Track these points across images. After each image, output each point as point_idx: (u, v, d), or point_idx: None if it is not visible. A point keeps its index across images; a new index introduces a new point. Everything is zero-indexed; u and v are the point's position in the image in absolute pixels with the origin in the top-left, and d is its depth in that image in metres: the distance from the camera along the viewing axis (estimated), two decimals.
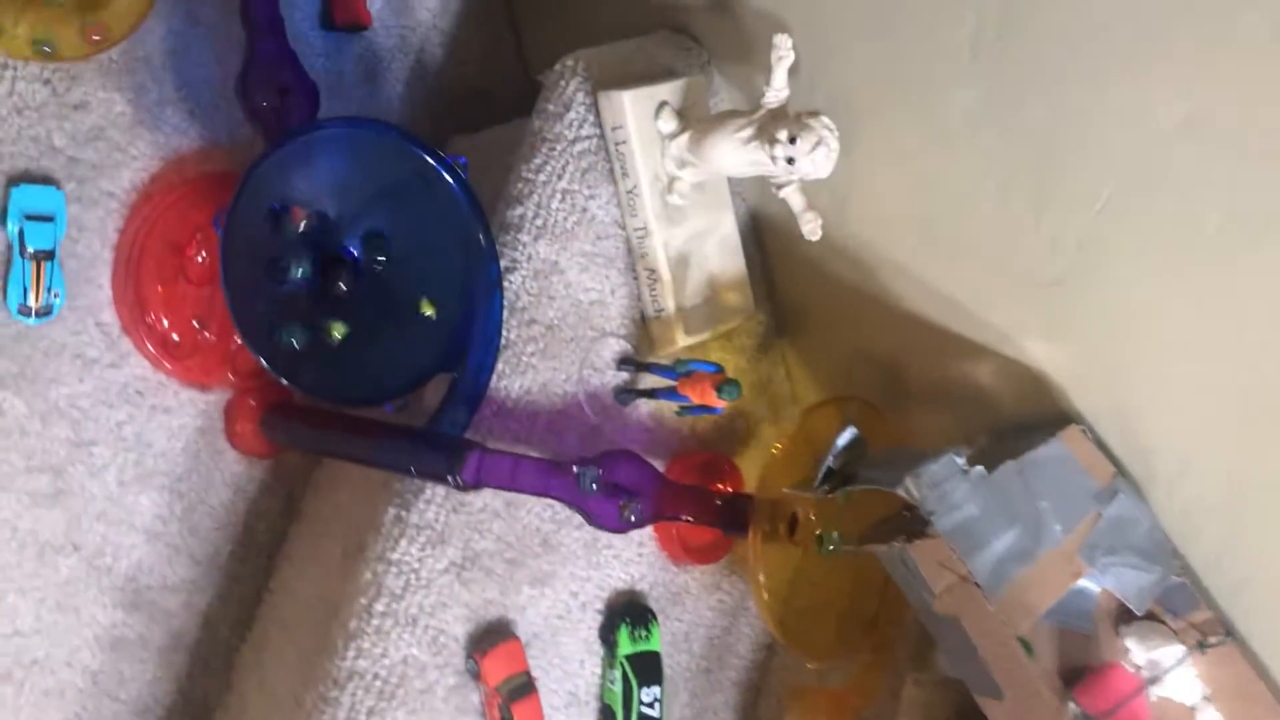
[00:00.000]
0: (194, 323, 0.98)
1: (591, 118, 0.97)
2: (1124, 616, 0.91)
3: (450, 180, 0.89)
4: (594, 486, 0.85)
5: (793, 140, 0.87)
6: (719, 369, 0.90)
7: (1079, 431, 0.89)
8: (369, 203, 0.89)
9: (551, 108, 0.97)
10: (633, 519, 0.88)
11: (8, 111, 0.91)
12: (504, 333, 0.91)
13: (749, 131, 0.91)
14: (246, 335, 0.83)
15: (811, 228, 0.92)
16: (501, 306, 0.91)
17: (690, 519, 0.91)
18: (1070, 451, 0.88)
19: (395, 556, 0.86)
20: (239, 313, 0.82)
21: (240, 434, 1.02)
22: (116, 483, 0.97)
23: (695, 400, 0.91)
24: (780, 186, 0.92)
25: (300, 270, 0.85)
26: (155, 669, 1.00)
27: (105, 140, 0.95)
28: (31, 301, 0.92)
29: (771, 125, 0.90)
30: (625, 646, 0.94)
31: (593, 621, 0.96)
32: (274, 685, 0.96)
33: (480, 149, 1.12)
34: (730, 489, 1.02)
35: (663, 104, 0.96)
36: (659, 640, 0.96)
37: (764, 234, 1.08)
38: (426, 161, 0.88)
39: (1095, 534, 0.86)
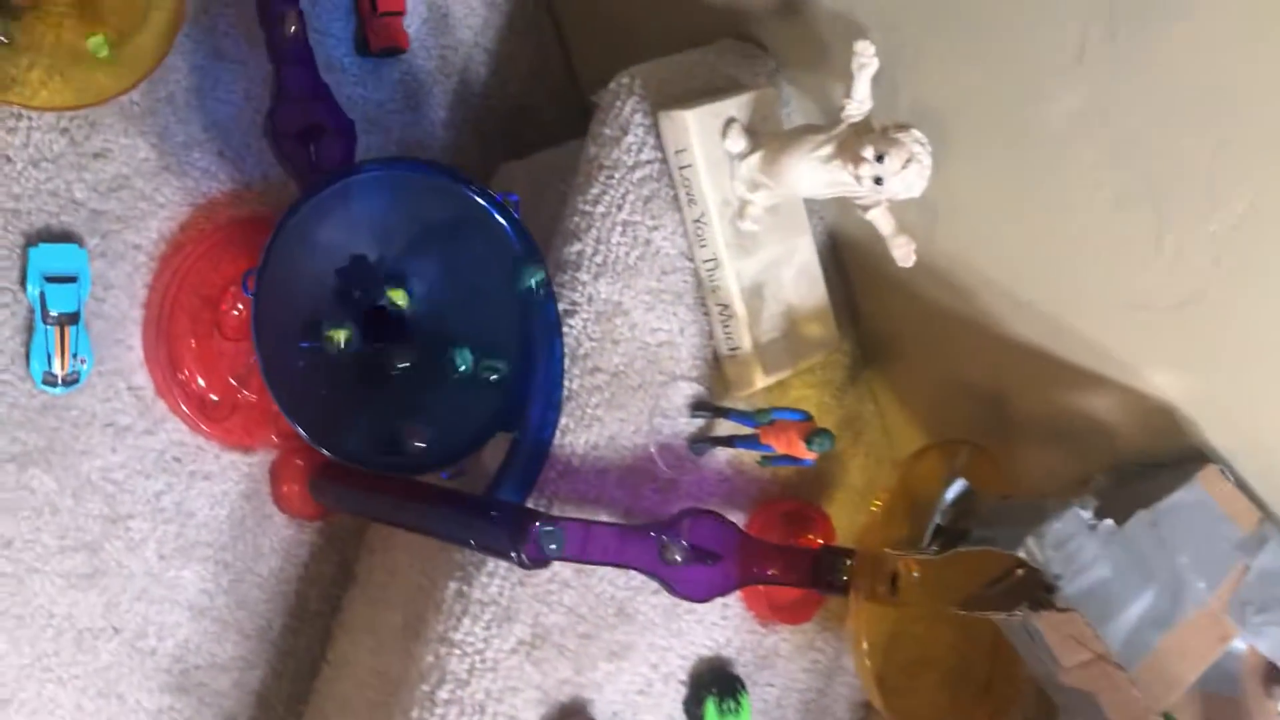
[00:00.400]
0: (231, 380, 0.91)
1: (652, 140, 0.88)
2: (1275, 676, 0.81)
3: (501, 221, 0.81)
4: (678, 558, 0.77)
5: (880, 158, 0.78)
6: (807, 416, 0.81)
7: (1218, 472, 0.79)
8: (414, 248, 0.81)
9: (608, 131, 0.88)
10: (718, 586, 0.80)
11: (24, 165, 0.84)
12: (566, 383, 0.83)
13: (829, 149, 0.82)
14: (282, 400, 0.76)
15: (903, 253, 0.82)
16: (562, 355, 0.83)
17: (782, 580, 0.83)
18: (1209, 496, 0.78)
19: (458, 637, 0.78)
20: (273, 376, 0.75)
21: (288, 496, 0.95)
22: (157, 557, 0.90)
23: (781, 450, 0.82)
24: (866, 208, 0.83)
25: (343, 335, 0.77)
26: None
27: (129, 189, 0.89)
28: (57, 369, 0.85)
29: (854, 142, 0.80)
30: (714, 713, 0.86)
31: (676, 695, 0.88)
32: None
33: (533, 175, 1.04)
34: (820, 540, 0.93)
35: (730, 121, 0.87)
36: (749, 712, 0.88)
37: (845, 255, 0.99)
38: (475, 201, 0.80)
39: (1244, 589, 0.76)
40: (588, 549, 0.76)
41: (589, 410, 0.84)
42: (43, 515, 0.85)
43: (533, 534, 0.72)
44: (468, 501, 0.78)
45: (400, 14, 1.00)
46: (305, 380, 0.78)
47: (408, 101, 1.04)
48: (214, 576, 0.92)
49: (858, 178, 0.80)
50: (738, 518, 0.91)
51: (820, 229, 0.97)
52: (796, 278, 0.92)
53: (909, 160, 0.78)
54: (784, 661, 0.94)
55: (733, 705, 0.87)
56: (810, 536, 0.92)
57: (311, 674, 0.97)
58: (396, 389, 0.80)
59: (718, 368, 0.90)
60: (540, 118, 1.14)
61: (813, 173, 0.83)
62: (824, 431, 0.79)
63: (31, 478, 0.84)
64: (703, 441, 0.88)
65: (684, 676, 0.88)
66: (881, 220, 0.82)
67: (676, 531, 0.79)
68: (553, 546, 0.73)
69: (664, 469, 0.86)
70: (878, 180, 0.79)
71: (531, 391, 0.81)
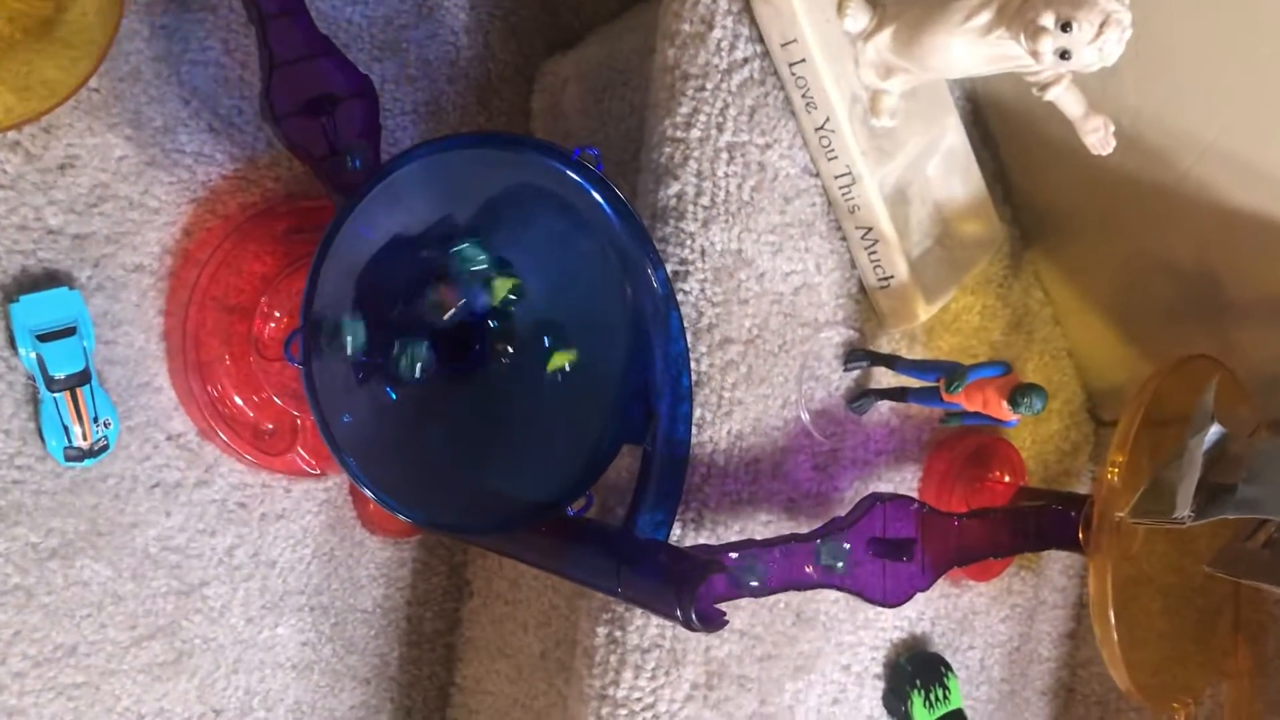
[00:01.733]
0: (281, 401, 0.76)
1: (745, 31, 0.68)
2: None
3: (583, 182, 0.63)
4: (839, 564, 0.63)
5: (1066, 26, 0.59)
6: (1007, 369, 0.65)
7: None
8: (485, 239, 0.64)
9: (686, 28, 0.69)
10: (919, 582, 0.66)
11: None
12: (692, 365, 0.67)
13: (986, 17, 0.63)
14: (355, 468, 0.61)
15: (1099, 138, 0.64)
16: (682, 330, 0.66)
17: (1005, 553, 0.69)
18: None
19: (621, 694, 0.65)
20: (341, 443, 0.59)
21: (376, 516, 0.81)
22: (244, 621, 0.77)
23: (973, 409, 0.66)
24: (1044, 86, 0.64)
25: (417, 359, 0.61)
26: None
27: (113, 200, 0.71)
28: (79, 440, 0.70)
29: (1024, 5, 0.61)
30: (922, 717, 0.74)
31: (874, 692, 0.75)
32: None
33: (586, 75, 0.85)
34: (1007, 476, 0.78)
35: None
36: (959, 694, 0.75)
37: (991, 121, 0.80)
38: (547, 167, 0.62)
39: None
40: (767, 583, 0.62)
41: (725, 393, 0.68)
42: (104, 609, 0.72)
43: (707, 591, 0.58)
44: (610, 545, 0.63)
45: None
46: (377, 433, 0.62)
47: (419, 10, 0.84)
48: (313, 625, 0.80)
49: (1036, 53, 0.61)
50: (912, 470, 0.77)
51: (958, 95, 0.79)
52: (945, 168, 0.74)
53: (1104, 23, 0.59)
54: (981, 618, 0.81)
55: (940, 693, 0.74)
56: (997, 474, 0.78)
57: (442, 702, 0.86)
58: (489, 419, 0.64)
59: (866, 302, 0.73)
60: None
61: (968, 49, 0.64)
62: (1032, 389, 0.62)
63: (81, 569, 0.71)
64: (864, 397, 0.72)
65: (879, 670, 0.75)
66: (1067, 101, 0.63)
67: (844, 535, 0.64)
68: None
69: (822, 440, 0.71)
70: (1063, 54, 0.60)
71: (653, 387, 0.65)
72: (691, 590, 0.57)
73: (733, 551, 0.62)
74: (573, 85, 0.86)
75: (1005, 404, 0.64)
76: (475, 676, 0.84)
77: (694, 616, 0.57)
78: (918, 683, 0.74)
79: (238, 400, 0.76)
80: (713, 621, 0.59)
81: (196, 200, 0.75)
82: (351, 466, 0.60)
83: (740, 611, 0.68)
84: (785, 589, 0.63)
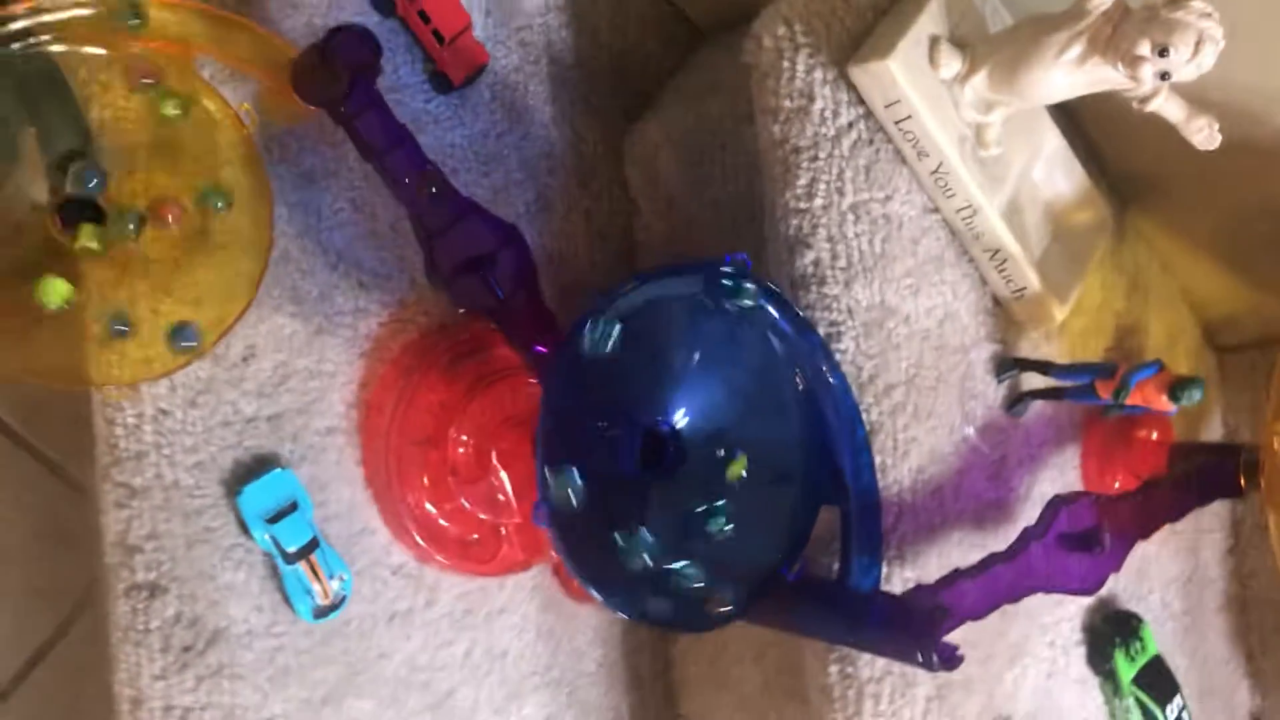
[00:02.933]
0: (485, 517, 0.82)
1: (845, 96, 0.72)
2: None
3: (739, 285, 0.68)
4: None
5: (1164, 52, 0.62)
6: (1161, 366, 0.69)
7: None
8: (661, 353, 0.68)
9: (788, 104, 0.73)
10: (1109, 565, 0.72)
11: (182, 412, 0.73)
12: (864, 417, 0.72)
13: (1079, 49, 0.66)
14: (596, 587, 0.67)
15: (1204, 136, 0.67)
16: (847, 388, 0.71)
17: (1172, 520, 0.74)
18: None
19: None
20: (588, 576, 0.65)
21: (582, 588, 0.88)
22: (492, 713, 0.85)
23: (1134, 403, 0.71)
24: (1144, 100, 0.67)
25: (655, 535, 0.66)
26: None
27: (294, 375, 0.77)
28: (321, 600, 0.77)
29: (1116, 35, 0.64)
30: (1127, 671, 0.80)
31: (1079, 657, 0.82)
32: None
33: (678, 136, 0.89)
34: (1154, 433, 0.83)
35: (934, 41, 0.71)
36: (1153, 640, 0.82)
37: (1072, 101, 0.83)
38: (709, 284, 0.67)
39: None
40: (988, 600, 0.68)
41: (899, 435, 0.73)
42: None
43: (939, 634, 0.64)
44: (833, 600, 0.69)
45: (468, 27, 0.83)
46: (603, 550, 0.68)
47: (509, 116, 0.88)
48: (552, 699, 0.87)
49: (1136, 78, 0.64)
50: (1071, 450, 0.82)
51: None
52: (1048, 170, 0.78)
53: (1199, 42, 0.62)
54: (1154, 564, 0.87)
55: (1138, 645, 0.81)
56: (1146, 433, 0.83)
57: None
58: (693, 516, 0.70)
59: (1003, 313, 0.78)
60: (643, 58, 0.96)
61: (1066, 79, 0.67)
62: (1191, 382, 0.67)
63: (350, 709, 0.78)
64: (1020, 401, 0.77)
65: (1079, 637, 0.82)
66: (1169, 109, 0.67)
67: (1056, 528, 0.70)
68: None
69: (990, 451, 0.76)
70: (1163, 76, 0.64)
71: (833, 447, 0.71)
72: (931, 642, 0.63)
73: (944, 588, 0.68)
74: (665, 151, 0.90)
75: (1166, 398, 0.69)
76: (699, 710, 0.91)
77: (935, 662, 0.64)
78: (1116, 640, 0.80)
79: (443, 523, 0.82)
80: (953, 661, 0.65)
81: (364, 353, 0.81)
82: (598, 596, 0.67)
83: None
84: (998, 607, 0.69)
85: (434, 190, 0.70)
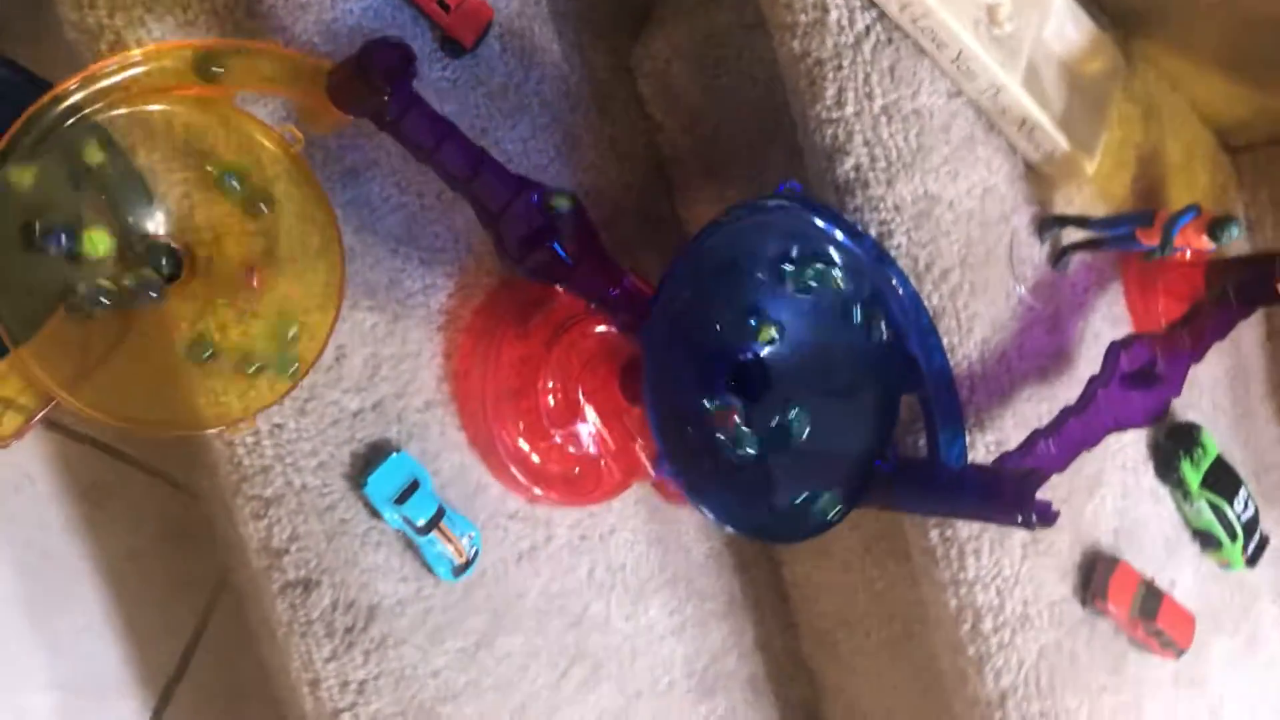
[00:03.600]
0: (577, 453, 0.88)
1: (858, 2, 0.74)
2: None
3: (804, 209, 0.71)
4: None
5: None
6: (1198, 210, 0.73)
7: None
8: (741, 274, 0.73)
9: (804, 18, 0.74)
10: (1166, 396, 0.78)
11: (294, 422, 0.78)
12: (926, 302, 0.77)
13: None
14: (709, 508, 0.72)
15: None
16: (906, 280, 0.75)
17: (1221, 337, 0.80)
18: None
19: (970, 575, 0.79)
20: (697, 495, 0.71)
21: (679, 493, 0.94)
22: (623, 620, 0.92)
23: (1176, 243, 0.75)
24: None
25: (732, 408, 0.71)
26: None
27: (384, 363, 0.81)
28: (457, 560, 0.83)
29: None
30: (1194, 477, 0.87)
31: (1148, 473, 0.88)
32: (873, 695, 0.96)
33: (689, 49, 0.91)
34: (1190, 253, 0.87)
35: None
36: (1214, 444, 0.88)
37: None
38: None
39: None
40: (1068, 448, 0.74)
41: (961, 314, 0.78)
42: (530, 665, 0.87)
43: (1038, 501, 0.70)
44: (930, 479, 0.75)
45: None
46: (711, 470, 0.74)
47: (523, 63, 0.89)
48: (672, 595, 0.95)
49: None
50: (1114, 287, 0.87)
51: None
52: (1057, 26, 0.80)
53: None
54: (1201, 370, 0.92)
55: (1200, 451, 0.87)
56: (1180, 254, 0.87)
57: (785, 604, 1.01)
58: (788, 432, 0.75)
59: (1035, 175, 0.82)
60: None
61: None
62: (1228, 221, 0.72)
63: (501, 647, 0.86)
64: (1065, 255, 0.82)
65: (1145, 454, 0.88)
66: None
67: (1118, 372, 0.76)
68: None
69: (1043, 307, 0.81)
70: None
71: (903, 335, 0.75)
72: (1029, 506, 0.70)
73: (1027, 452, 0.74)
74: (677, 65, 0.91)
75: (1205, 239, 0.73)
76: (803, 574, 0.99)
77: (1034, 518, 0.70)
78: (1180, 452, 0.87)
79: (545, 464, 0.88)
80: (1050, 518, 0.71)
81: (440, 327, 0.85)
82: (712, 516, 0.73)
83: None
84: (1077, 456, 0.75)
85: (487, 175, 0.73)
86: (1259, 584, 0.98)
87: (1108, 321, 0.86)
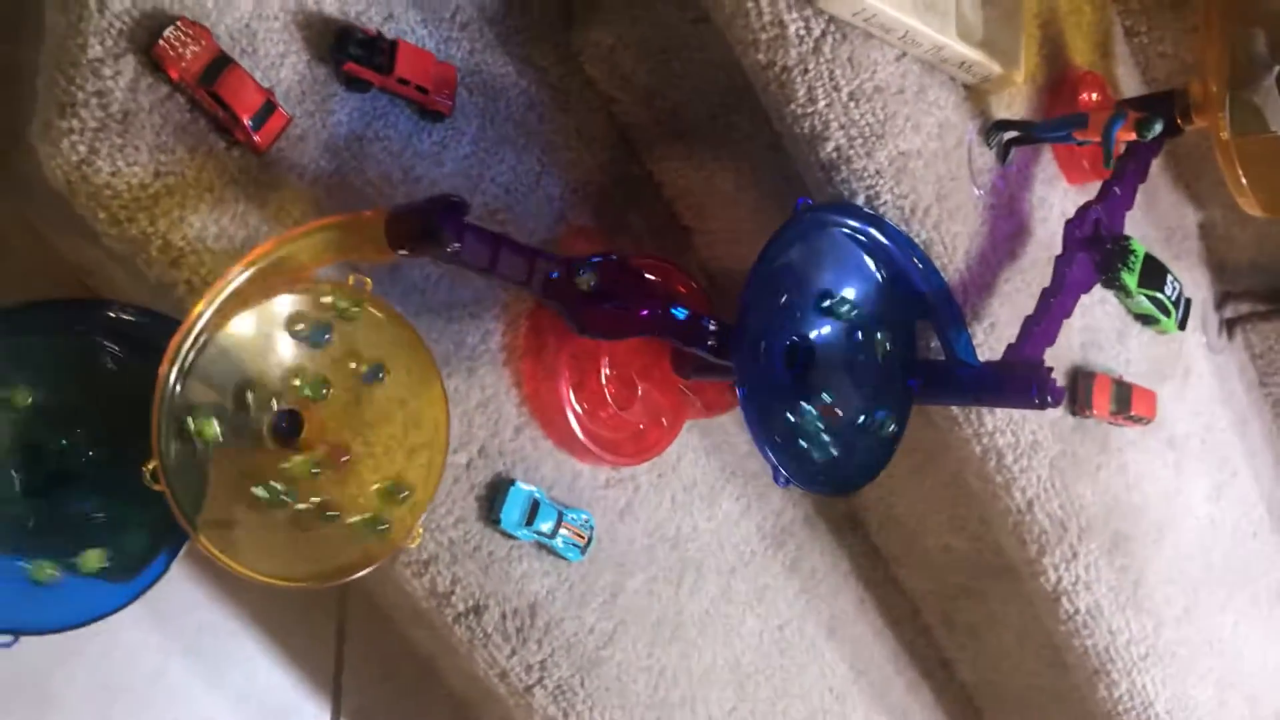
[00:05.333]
0: (637, 417, 1.01)
1: (809, 12, 0.82)
2: None
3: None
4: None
5: None
6: (1125, 115, 0.86)
7: None
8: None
9: (764, 36, 0.82)
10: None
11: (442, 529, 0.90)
12: (916, 236, 0.90)
13: None
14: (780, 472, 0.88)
15: None
16: (898, 231, 0.88)
17: (1145, 176, 0.96)
18: None
19: (989, 427, 0.97)
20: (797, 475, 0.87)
21: (710, 405, 1.08)
22: (706, 521, 1.09)
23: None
24: None
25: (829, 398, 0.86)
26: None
27: (473, 414, 0.93)
28: (581, 542, 0.98)
29: None
30: (1131, 280, 1.04)
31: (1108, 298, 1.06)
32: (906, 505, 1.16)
33: (634, 38, 0.97)
34: (1095, 95, 1.01)
35: None
36: (1139, 245, 1.05)
37: None
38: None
39: None
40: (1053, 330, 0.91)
41: (946, 240, 0.91)
42: (653, 590, 1.05)
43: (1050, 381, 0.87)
44: (952, 377, 0.91)
45: (427, 60, 0.88)
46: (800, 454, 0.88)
47: (489, 98, 0.94)
48: (734, 486, 1.12)
49: None
50: (1046, 157, 1.00)
51: None
52: None
53: None
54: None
55: (1133, 258, 1.03)
56: (1086, 98, 1.00)
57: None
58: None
59: (973, 91, 0.93)
60: None
61: None
62: (1151, 119, 0.85)
63: (630, 588, 1.02)
64: (1008, 152, 0.94)
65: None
66: None
67: (1077, 248, 0.92)
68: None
69: (998, 200, 0.95)
70: None
71: (904, 273, 0.89)
72: (1045, 392, 0.87)
73: (1026, 341, 0.90)
74: (624, 53, 0.97)
75: (1134, 134, 0.87)
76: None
77: (1049, 402, 0.88)
78: (1118, 264, 1.03)
79: (614, 435, 1.01)
80: (1060, 395, 0.89)
81: (504, 362, 0.95)
82: (783, 474, 0.88)
83: None
84: (1061, 327, 0.92)
85: (544, 266, 0.82)
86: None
87: (1044, 183, 1.00)
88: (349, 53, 0.85)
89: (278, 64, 0.83)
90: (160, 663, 1.04)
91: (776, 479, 0.82)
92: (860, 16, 0.82)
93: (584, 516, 0.99)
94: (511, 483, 0.94)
